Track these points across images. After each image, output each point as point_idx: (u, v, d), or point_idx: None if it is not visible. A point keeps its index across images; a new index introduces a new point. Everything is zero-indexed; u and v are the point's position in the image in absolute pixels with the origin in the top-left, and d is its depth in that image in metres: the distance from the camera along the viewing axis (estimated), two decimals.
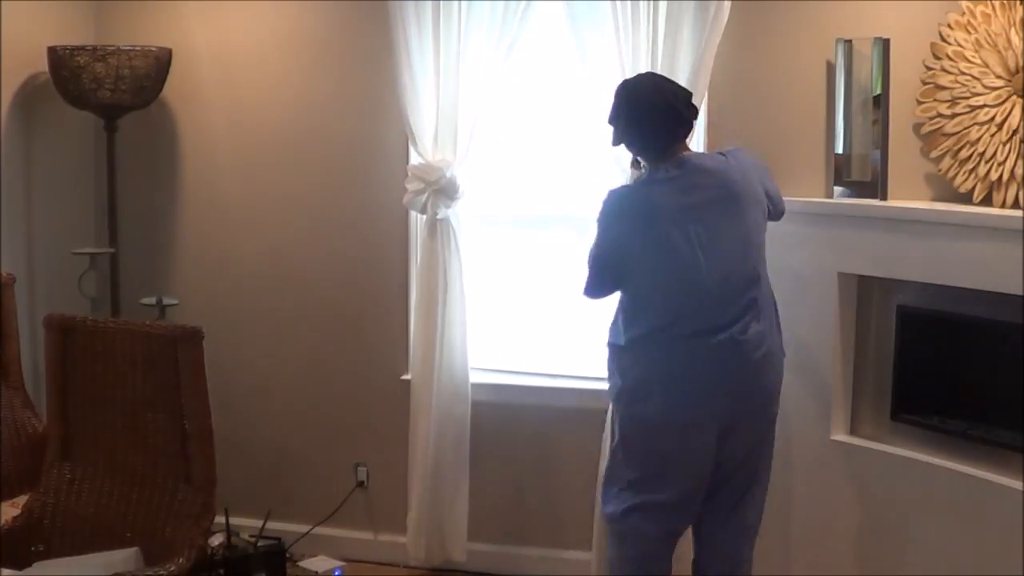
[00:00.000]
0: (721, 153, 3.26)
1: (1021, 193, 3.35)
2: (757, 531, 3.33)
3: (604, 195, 3.22)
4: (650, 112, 3.12)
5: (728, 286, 3.08)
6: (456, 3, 3.74)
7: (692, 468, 3.15)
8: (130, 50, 3.90)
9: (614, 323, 3.23)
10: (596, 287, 3.26)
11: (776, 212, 3.30)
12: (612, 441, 3.36)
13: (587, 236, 3.95)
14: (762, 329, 3.12)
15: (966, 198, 3.50)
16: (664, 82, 3.23)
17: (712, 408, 3.11)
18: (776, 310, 3.24)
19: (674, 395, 3.09)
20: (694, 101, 3.60)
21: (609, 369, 3.25)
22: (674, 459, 3.14)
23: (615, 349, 3.22)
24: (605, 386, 3.84)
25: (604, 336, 3.27)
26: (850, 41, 3.60)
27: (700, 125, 3.76)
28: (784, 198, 3.70)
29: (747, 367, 3.11)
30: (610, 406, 3.46)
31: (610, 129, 3.21)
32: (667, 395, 3.09)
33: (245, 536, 3.89)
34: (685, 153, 3.18)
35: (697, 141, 3.80)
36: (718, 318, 3.07)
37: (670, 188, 3.10)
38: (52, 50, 3.89)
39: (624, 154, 3.68)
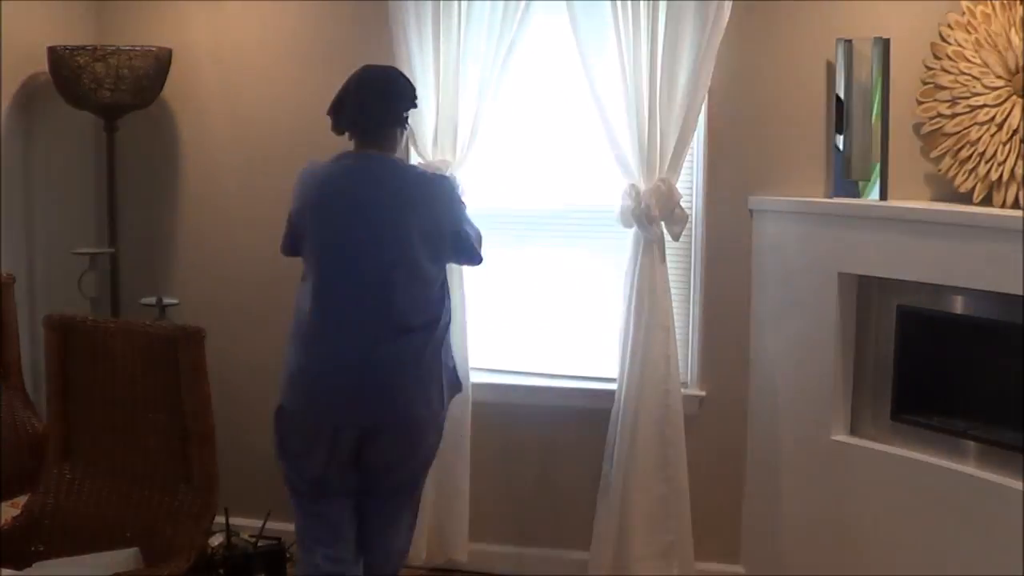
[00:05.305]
0: None
1: (1021, 193, 3.35)
2: None
3: None
4: None
5: None
6: (456, 3, 3.74)
7: None
8: (130, 50, 3.90)
9: None
10: None
11: None
12: None
13: (587, 236, 3.99)
14: None
15: (966, 198, 3.50)
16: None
17: None
18: None
19: None
20: (694, 100, 3.62)
21: None
22: None
23: None
24: (605, 386, 3.87)
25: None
26: (850, 41, 3.60)
27: (700, 125, 3.76)
28: (784, 198, 3.73)
29: None
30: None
31: None
32: None
33: (245, 536, 3.89)
34: None
35: (696, 141, 3.80)
36: None
37: None
38: (52, 50, 3.89)
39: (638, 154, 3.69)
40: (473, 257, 3.29)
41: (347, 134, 3.21)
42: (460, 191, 3.32)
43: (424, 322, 3.09)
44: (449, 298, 3.23)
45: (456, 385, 3.29)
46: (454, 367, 3.28)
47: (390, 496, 3.25)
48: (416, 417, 3.12)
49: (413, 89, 3.30)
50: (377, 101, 3.18)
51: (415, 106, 3.28)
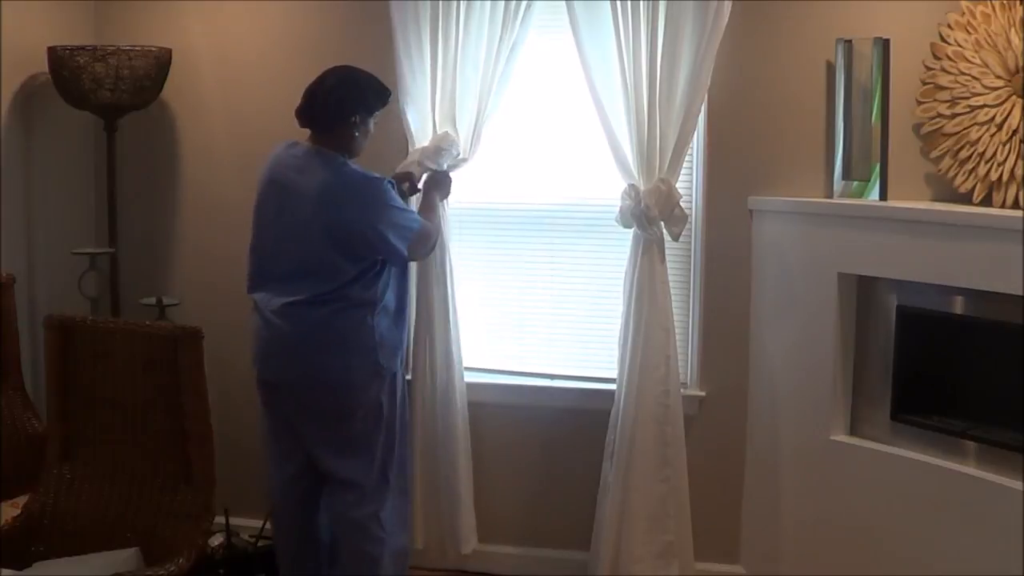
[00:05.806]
0: None
1: (1021, 193, 3.35)
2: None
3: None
4: None
5: None
6: (455, 4, 3.74)
7: None
8: (130, 50, 3.90)
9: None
10: None
11: None
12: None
13: (586, 236, 3.99)
14: None
15: (966, 198, 3.50)
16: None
17: None
18: None
19: None
20: (693, 100, 3.61)
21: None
22: None
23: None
24: (605, 386, 3.87)
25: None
26: (850, 41, 3.60)
27: (700, 125, 3.76)
28: (784, 198, 3.72)
29: None
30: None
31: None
32: None
33: (245, 536, 3.89)
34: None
35: (696, 141, 3.81)
36: None
37: None
38: (52, 50, 3.89)
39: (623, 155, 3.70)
40: (392, 257, 3.36)
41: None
42: (391, 195, 3.36)
43: (332, 299, 3.26)
44: (391, 285, 3.36)
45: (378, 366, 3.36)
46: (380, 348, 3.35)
47: (337, 481, 3.38)
48: (324, 378, 3.29)
49: (373, 93, 3.37)
50: (320, 98, 3.31)
51: (370, 111, 3.36)
